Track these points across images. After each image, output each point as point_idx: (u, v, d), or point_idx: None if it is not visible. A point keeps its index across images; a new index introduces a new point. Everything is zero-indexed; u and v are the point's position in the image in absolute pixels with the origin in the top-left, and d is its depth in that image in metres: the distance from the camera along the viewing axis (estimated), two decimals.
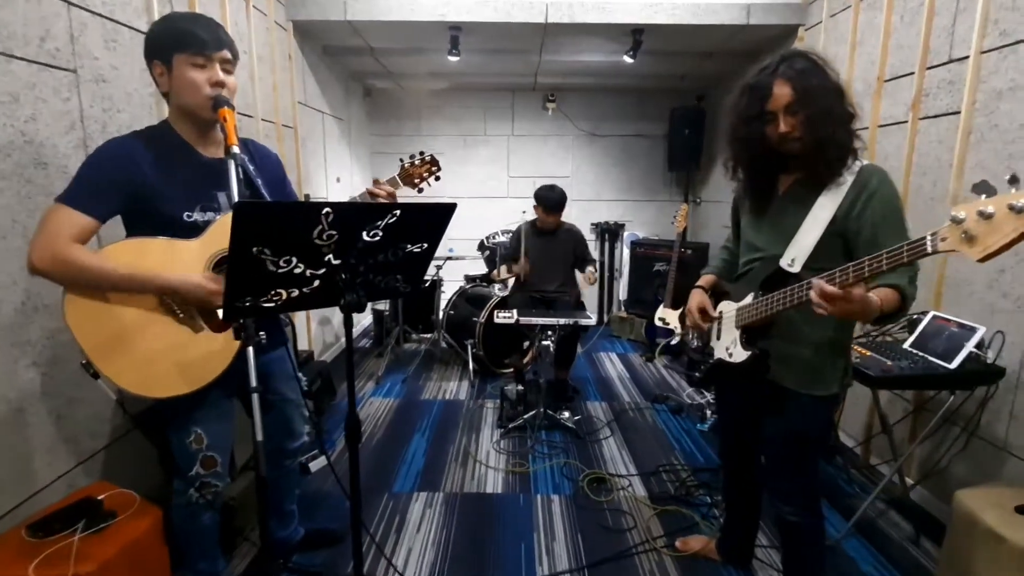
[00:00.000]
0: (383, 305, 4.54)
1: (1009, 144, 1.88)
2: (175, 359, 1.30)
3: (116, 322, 1.26)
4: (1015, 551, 1.43)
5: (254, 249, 0.96)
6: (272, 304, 1.08)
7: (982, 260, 0.88)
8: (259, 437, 1.11)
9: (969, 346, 1.76)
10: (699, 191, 5.17)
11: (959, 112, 2.06)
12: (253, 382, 1.13)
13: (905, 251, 0.99)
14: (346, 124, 4.50)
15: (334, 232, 1.02)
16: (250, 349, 1.14)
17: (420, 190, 1.74)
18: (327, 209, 0.98)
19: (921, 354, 1.88)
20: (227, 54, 1.32)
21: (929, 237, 0.95)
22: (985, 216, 0.86)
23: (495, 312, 3.31)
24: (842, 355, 1.40)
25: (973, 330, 1.79)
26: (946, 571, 1.69)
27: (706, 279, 1.68)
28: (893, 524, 2.11)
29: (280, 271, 1.02)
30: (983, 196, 0.87)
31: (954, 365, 1.76)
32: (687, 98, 5.00)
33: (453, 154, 5.26)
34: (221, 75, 1.30)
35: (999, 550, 1.47)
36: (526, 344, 3.67)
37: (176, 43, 1.28)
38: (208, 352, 1.32)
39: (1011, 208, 0.83)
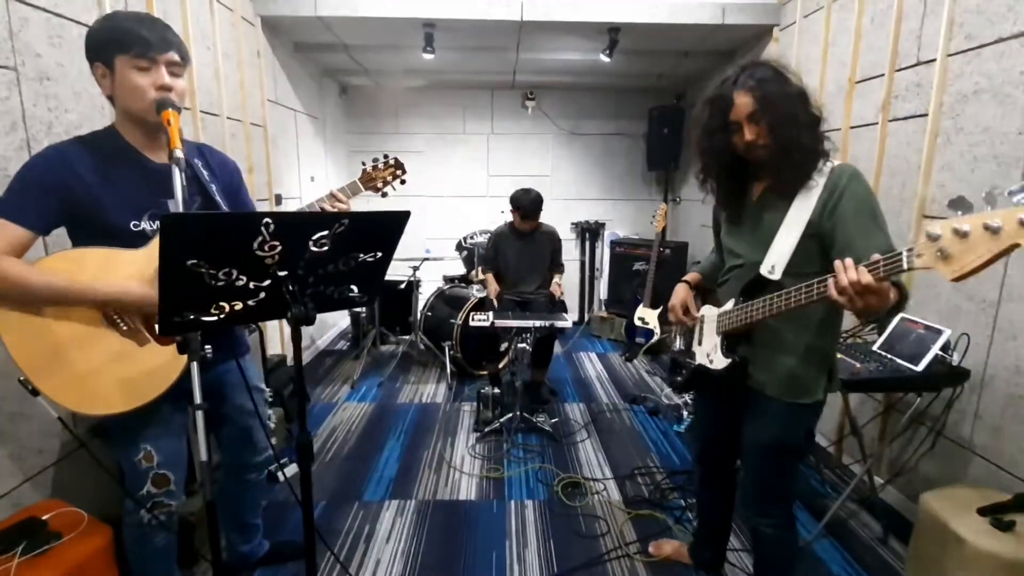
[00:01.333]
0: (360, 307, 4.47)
1: (974, 147, 1.89)
2: (118, 374, 1.23)
3: (53, 336, 1.20)
4: (977, 553, 1.44)
5: (189, 262, 0.90)
6: (214, 318, 1.02)
7: (956, 280, 0.86)
8: (203, 457, 1.05)
9: (935, 348, 1.77)
10: (678, 190, 5.18)
11: (927, 114, 2.07)
12: (197, 398, 1.07)
13: (882, 266, 0.97)
14: (320, 122, 4.40)
15: (277, 243, 0.97)
16: (194, 364, 1.08)
17: (384, 194, 1.69)
18: (267, 219, 0.93)
19: (889, 356, 1.88)
20: (174, 56, 1.25)
21: (905, 253, 0.93)
22: (960, 234, 0.83)
23: (472, 314, 3.27)
24: (826, 361, 1.37)
25: (939, 332, 1.80)
26: (912, 572, 1.70)
27: (692, 276, 1.67)
28: (863, 524, 2.13)
29: (219, 284, 0.97)
30: (959, 213, 0.85)
31: (920, 367, 1.76)
32: (666, 97, 5.00)
33: (432, 153, 5.19)
34: (167, 78, 1.23)
35: (962, 552, 1.48)
36: (504, 346, 3.65)
37: (118, 44, 1.20)
38: (154, 366, 1.26)
39: (986, 228, 0.80)
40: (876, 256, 0.98)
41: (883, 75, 2.31)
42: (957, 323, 1.93)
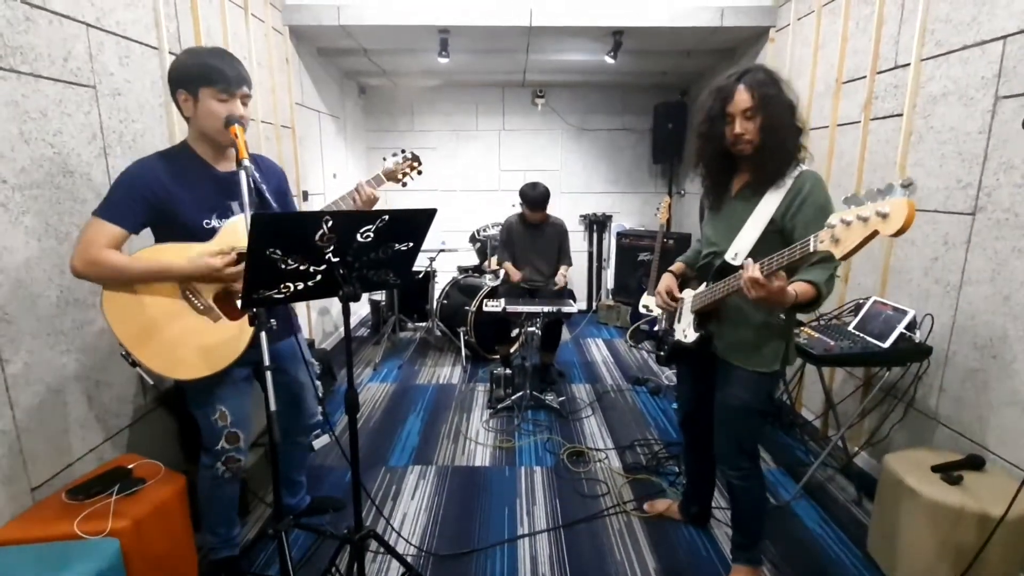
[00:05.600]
0: (380, 296, 4.74)
1: (942, 144, 2.08)
2: (197, 345, 1.50)
3: (146, 316, 1.46)
4: (926, 503, 1.66)
5: (268, 251, 1.16)
6: (281, 295, 1.28)
7: (842, 259, 1.10)
8: (272, 407, 1.31)
9: (900, 327, 1.98)
10: (683, 183, 5.35)
11: (902, 114, 2.25)
12: (266, 361, 1.32)
13: (798, 249, 1.21)
14: (341, 121, 4.66)
15: (333, 235, 1.22)
16: (263, 334, 1.33)
17: (404, 184, 1.91)
18: (327, 217, 1.17)
19: (861, 335, 2.09)
20: (247, 90, 1.51)
21: (812, 239, 1.18)
22: (846, 223, 1.08)
23: (485, 301, 3.51)
24: (783, 337, 1.59)
25: (904, 313, 2.00)
26: (876, 524, 1.92)
27: (677, 266, 1.87)
28: (840, 488, 2.35)
29: (288, 268, 1.22)
30: (852, 206, 1.08)
31: (887, 344, 1.97)
32: (671, 93, 5.17)
33: (445, 148, 5.43)
34: (242, 109, 1.50)
35: (915, 503, 1.69)
36: (515, 331, 3.89)
37: (204, 78, 1.45)
38: (225, 339, 1.52)
39: (859, 218, 1.05)
40: (774, 254, 1.28)
41: (865, 77, 2.49)
42: (926, 305, 2.12)
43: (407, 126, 5.43)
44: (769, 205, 1.49)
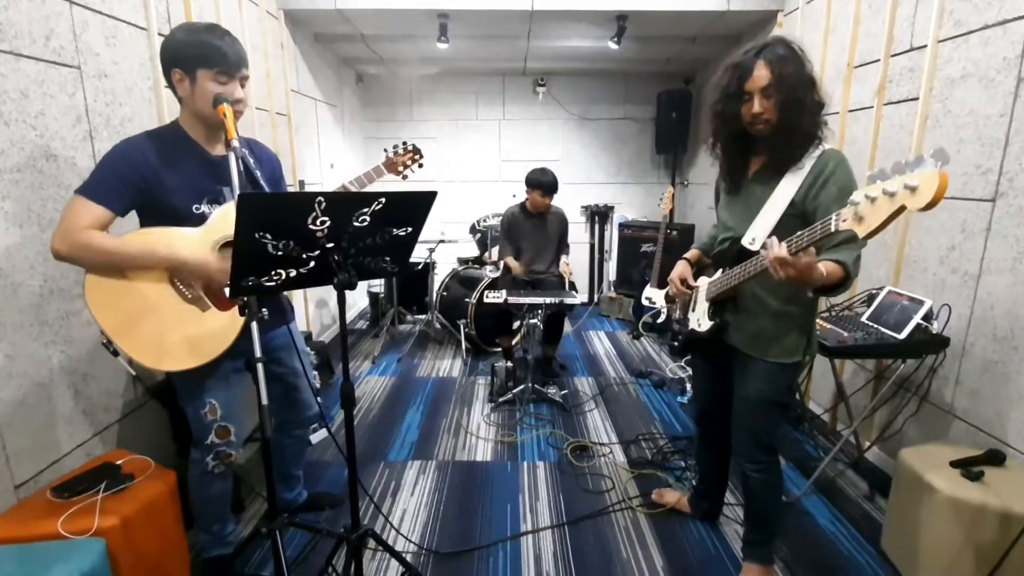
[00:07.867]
0: (379, 288, 4.67)
1: (960, 129, 2.00)
2: (185, 335, 1.43)
3: (131, 303, 1.39)
4: (946, 500, 1.60)
5: (256, 234, 1.08)
6: (273, 283, 1.20)
7: (865, 237, 1.03)
8: (264, 402, 1.24)
9: (916, 318, 1.91)
10: (686, 173, 5.27)
11: (918, 98, 2.18)
12: (257, 353, 1.26)
13: (819, 228, 1.14)
14: (339, 110, 4.57)
15: (327, 218, 1.14)
16: (254, 324, 1.26)
17: (404, 177, 1.86)
18: (320, 198, 1.10)
19: (875, 326, 2.03)
20: (245, 71, 1.43)
21: (834, 217, 1.11)
22: (871, 199, 1.01)
23: (485, 293, 3.44)
24: (804, 327, 1.52)
25: (921, 303, 1.94)
26: (892, 521, 1.86)
27: (692, 253, 1.80)
28: (851, 483, 2.29)
29: (279, 253, 1.15)
30: (878, 181, 1.01)
31: (903, 336, 1.91)
32: (674, 81, 5.07)
33: (445, 138, 5.34)
34: (240, 92, 1.42)
35: (933, 500, 1.63)
36: (517, 323, 3.82)
37: (203, 59, 1.36)
38: (215, 329, 1.45)
39: (885, 192, 0.98)
40: (799, 232, 1.19)
41: (879, 60, 2.40)
42: (943, 295, 2.06)
43: (406, 115, 5.33)
44: (789, 187, 1.42)
